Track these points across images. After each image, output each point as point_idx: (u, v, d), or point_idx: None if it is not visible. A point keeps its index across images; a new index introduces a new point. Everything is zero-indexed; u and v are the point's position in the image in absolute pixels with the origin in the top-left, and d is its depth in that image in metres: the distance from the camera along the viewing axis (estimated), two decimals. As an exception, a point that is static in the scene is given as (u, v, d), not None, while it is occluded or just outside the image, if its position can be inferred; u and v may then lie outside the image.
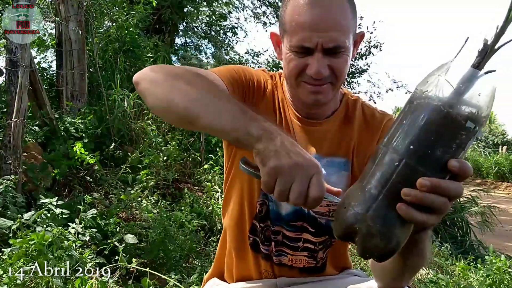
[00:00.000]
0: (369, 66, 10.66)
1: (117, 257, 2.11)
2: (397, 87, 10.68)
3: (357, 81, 10.79)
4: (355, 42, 0.95)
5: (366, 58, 10.53)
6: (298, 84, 0.93)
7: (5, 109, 2.94)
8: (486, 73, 0.58)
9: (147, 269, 2.01)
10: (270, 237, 1.04)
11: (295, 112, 1.03)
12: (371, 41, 10.45)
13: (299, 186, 0.64)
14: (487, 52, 0.58)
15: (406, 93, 11.51)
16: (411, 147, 0.57)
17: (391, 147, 0.60)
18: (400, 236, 0.61)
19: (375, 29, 10.66)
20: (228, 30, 10.01)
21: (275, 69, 9.18)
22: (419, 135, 0.57)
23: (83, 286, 1.75)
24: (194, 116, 0.72)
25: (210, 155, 4.42)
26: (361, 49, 10.39)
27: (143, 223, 2.74)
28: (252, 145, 0.67)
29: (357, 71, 10.68)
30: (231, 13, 10.04)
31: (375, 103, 10.87)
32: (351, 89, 10.64)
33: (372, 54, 10.50)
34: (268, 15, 10.03)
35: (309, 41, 0.86)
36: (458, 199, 5.33)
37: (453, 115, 0.56)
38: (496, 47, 0.58)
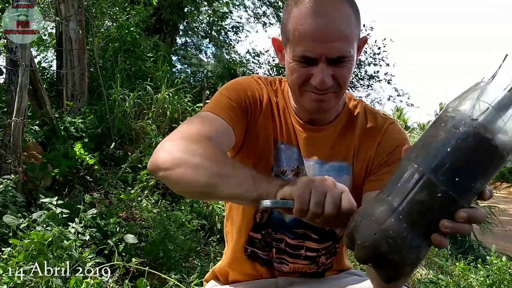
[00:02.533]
0: (378, 77, 10.95)
1: (114, 261, 2.11)
2: (397, 95, 10.91)
3: (364, 84, 10.94)
4: (358, 48, 0.94)
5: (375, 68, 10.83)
6: (302, 94, 0.92)
7: (5, 109, 2.94)
8: None
9: (146, 268, 2.01)
10: (272, 243, 1.04)
11: (297, 118, 1.02)
12: (382, 57, 10.73)
13: (333, 197, 0.66)
14: None
15: (408, 99, 11.74)
16: (438, 165, 0.55)
17: (423, 169, 0.57)
18: (421, 259, 0.60)
19: (384, 46, 10.92)
20: (229, 30, 10.01)
21: (275, 69, 9.19)
22: (458, 161, 0.55)
23: (80, 286, 1.75)
24: (215, 189, 0.76)
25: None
26: (369, 58, 10.66)
27: (143, 222, 2.74)
28: (276, 191, 0.71)
29: (367, 76, 10.87)
30: (232, 13, 10.04)
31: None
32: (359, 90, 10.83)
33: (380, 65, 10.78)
34: (268, 15, 10.03)
35: (313, 52, 0.85)
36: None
37: (491, 142, 0.54)
38: None
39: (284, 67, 0.97)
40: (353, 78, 11.16)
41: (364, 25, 10.81)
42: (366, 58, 10.86)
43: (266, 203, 0.69)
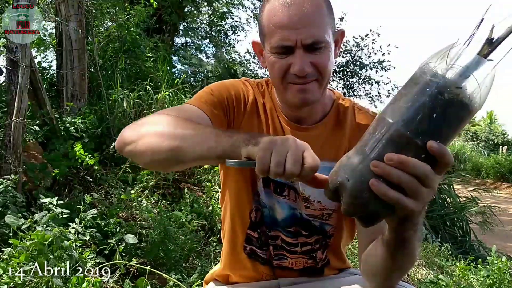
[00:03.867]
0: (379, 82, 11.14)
1: (114, 260, 2.11)
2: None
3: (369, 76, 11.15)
4: (336, 41, 0.97)
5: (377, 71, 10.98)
6: (285, 87, 0.94)
7: (5, 109, 2.94)
8: (488, 60, 0.59)
9: (147, 267, 2.01)
10: (268, 241, 1.05)
11: (285, 118, 1.03)
12: (385, 66, 10.88)
13: (294, 155, 0.66)
14: (497, 44, 0.58)
15: None
16: (406, 115, 0.59)
17: (388, 114, 0.61)
18: (376, 205, 0.62)
19: (389, 52, 11.10)
20: (228, 29, 10.01)
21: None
22: (417, 107, 0.58)
23: (81, 285, 1.75)
24: (179, 151, 0.76)
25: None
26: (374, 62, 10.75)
27: (143, 223, 2.74)
28: (240, 148, 0.70)
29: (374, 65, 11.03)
30: (233, 13, 10.04)
31: (376, 107, 11.12)
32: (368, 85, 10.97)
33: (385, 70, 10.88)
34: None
35: (288, 39, 0.88)
36: (458, 199, 5.34)
37: (454, 95, 0.57)
38: (505, 38, 0.59)
39: None
40: (355, 82, 11.28)
41: (371, 30, 10.98)
42: (370, 62, 11.05)
43: (231, 162, 0.71)
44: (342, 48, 10.79)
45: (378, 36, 10.95)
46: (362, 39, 11.10)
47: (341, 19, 10.75)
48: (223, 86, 1.02)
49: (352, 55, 11.20)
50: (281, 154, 0.66)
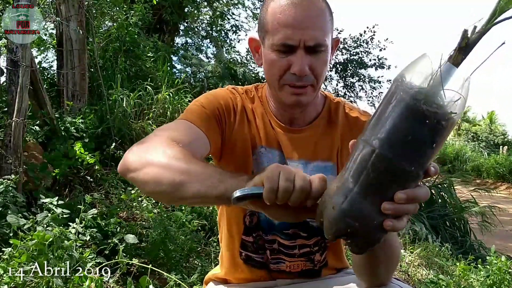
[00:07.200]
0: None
1: (117, 259, 2.11)
2: None
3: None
4: (332, 47, 0.98)
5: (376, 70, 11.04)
6: (280, 88, 0.95)
7: (6, 109, 2.94)
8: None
9: (149, 266, 2.01)
10: (264, 245, 1.05)
11: (277, 120, 1.04)
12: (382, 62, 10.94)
13: (302, 175, 0.66)
14: (469, 50, 0.58)
15: None
16: (386, 138, 0.57)
17: (367, 139, 0.60)
18: (377, 234, 0.62)
19: (385, 48, 11.17)
20: (228, 29, 10.01)
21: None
22: (393, 128, 0.57)
23: (83, 284, 1.75)
24: (182, 187, 0.75)
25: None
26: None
27: (144, 223, 2.75)
28: (242, 186, 0.70)
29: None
30: (233, 14, 10.04)
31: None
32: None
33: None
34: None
35: (292, 38, 0.89)
36: (459, 200, 5.34)
37: (428, 110, 0.56)
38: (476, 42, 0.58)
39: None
40: (356, 82, 11.32)
41: (367, 27, 11.07)
42: (370, 60, 11.08)
43: (236, 193, 0.68)
44: (339, 45, 10.85)
45: (374, 34, 11.05)
46: (361, 35, 11.15)
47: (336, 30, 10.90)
48: (212, 97, 1.03)
49: (351, 52, 11.23)
50: (289, 172, 0.66)
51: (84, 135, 3.47)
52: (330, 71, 11.27)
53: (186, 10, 8.61)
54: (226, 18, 9.78)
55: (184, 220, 2.80)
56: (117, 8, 5.11)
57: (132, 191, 2.98)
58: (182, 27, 9.26)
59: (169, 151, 0.81)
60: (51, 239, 1.84)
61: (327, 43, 0.92)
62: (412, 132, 0.56)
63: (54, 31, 4.56)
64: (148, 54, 5.35)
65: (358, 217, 0.60)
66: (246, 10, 10.30)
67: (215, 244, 2.87)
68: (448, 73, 0.57)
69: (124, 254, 2.26)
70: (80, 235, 2.13)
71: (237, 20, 10.21)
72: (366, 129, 0.61)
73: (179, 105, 4.59)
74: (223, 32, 10.07)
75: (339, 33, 10.92)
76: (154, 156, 0.81)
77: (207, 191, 0.72)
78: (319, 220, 0.66)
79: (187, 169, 0.76)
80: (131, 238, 2.30)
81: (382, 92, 11.45)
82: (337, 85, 11.67)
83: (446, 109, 0.56)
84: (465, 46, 0.58)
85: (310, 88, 0.94)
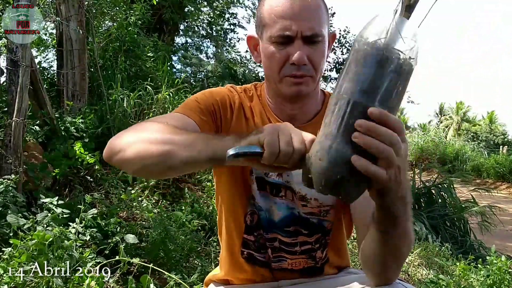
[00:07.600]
0: None
1: (117, 257, 2.11)
2: None
3: None
4: (329, 42, 1.00)
5: None
6: (281, 80, 0.96)
7: (6, 109, 2.94)
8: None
9: (150, 265, 2.01)
10: (265, 244, 1.05)
11: (276, 117, 1.04)
12: None
13: (297, 135, 0.70)
14: (414, 7, 0.65)
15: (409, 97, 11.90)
16: (358, 87, 0.63)
17: (340, 92, 0.65)
18: (352, 182, 0.64)
19: None
20: (228, 28, 10.00)
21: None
22: (363, 77, 0.63)
23: (83, 283, 1.75)
24: (169, 155, 0.76)
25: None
26: None
27: (144, 223, 2.75)
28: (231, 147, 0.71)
29: None
30: (234, 13, 10.04)
31: None
32: None
33: None
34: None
35: (290, 29, 0.92)
36: (459, 200, 5.34)
37: (391, 56, 0.63)
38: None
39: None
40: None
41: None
42: None
43: (235, 150, 0.69)
44: (343, 47, 10.79)
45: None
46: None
47: (332, 15, 10.72)
48: (208, 94, 1.04)
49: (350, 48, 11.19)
50: (287, 134, 0.69)
51: (84, 135, 3.47)
52: (331, 71, 11.21)
53: (186, 10, 8.61)
54: (224, 17, 9.78)
55: (184, 220, 2.80)
56: (117, 8, 5.11)
57: (132, 191, 2.98)
58: (182, 27, 9.26)
59: (152, 126, 0.83)
60: (51, 239, 1.84)
61: (323, 33, 0.95)
62: (380, 77, 0.63)
63: (54, 31, 4.56)
64: (148, 54, 5.34)
65: (344, 163, 0.63)
66: (246, 10, 10.31)
67: (215, 244, 2.87)
68: (401, 25, 0.64)
69: (125, 254, 2.27)
70: (80, 235, 2.13)
71: (235, 18, 10.22)
72: (337, 86, 0.67)
73: (179, 105, 4.58)
74: (223, 32, 10.07)
75: (346, 33, 10.80)
76: (137, 134, 0.82)
77: (195, 156, 0.74)
78: (307, 177, 0.68)
79: (171, 138, 0.78)
80: (131, 238, 2.30)
81: None
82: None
83: (406, 55, 0.63)
84: (410, 4, 0.65)
85: (309, 79, 0.96)
